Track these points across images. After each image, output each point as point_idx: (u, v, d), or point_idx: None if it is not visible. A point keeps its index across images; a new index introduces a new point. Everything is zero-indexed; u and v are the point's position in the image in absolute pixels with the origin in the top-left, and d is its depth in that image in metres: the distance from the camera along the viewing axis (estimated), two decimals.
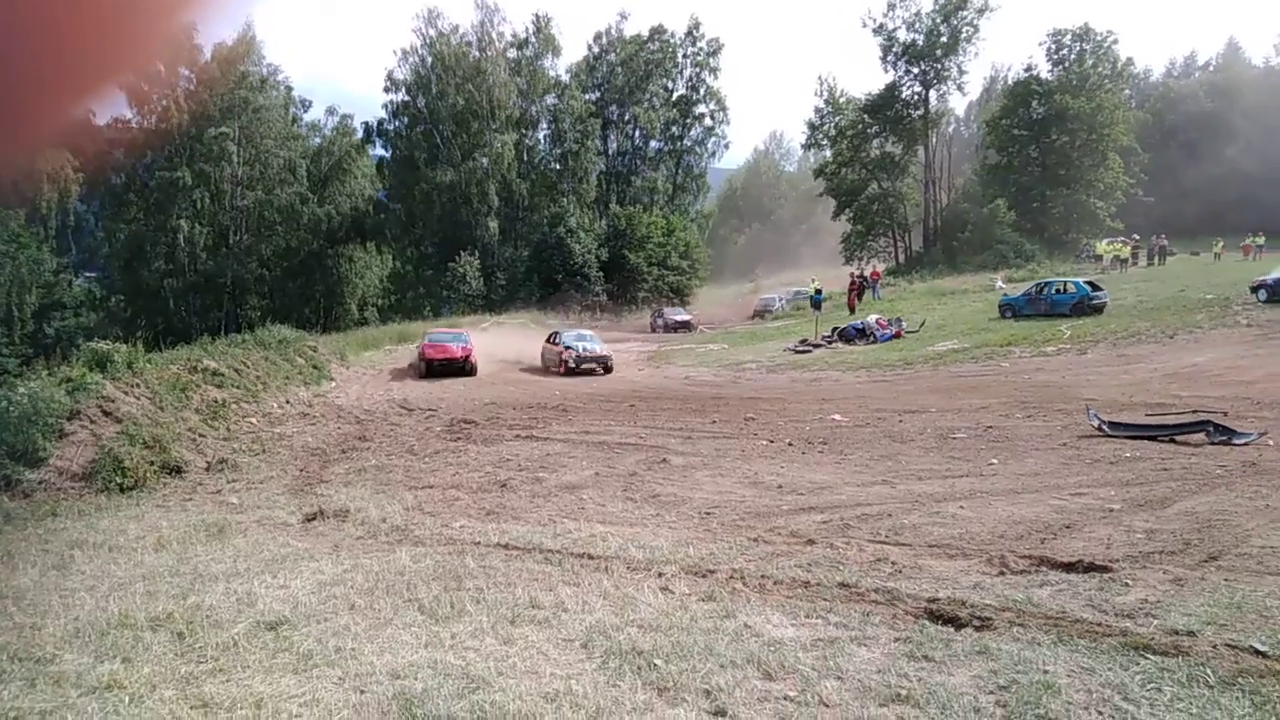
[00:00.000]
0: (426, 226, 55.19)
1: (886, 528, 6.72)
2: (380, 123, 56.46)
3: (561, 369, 23.89)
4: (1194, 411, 11.67)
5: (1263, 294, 25.63)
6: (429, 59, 54.18)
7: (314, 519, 7.83)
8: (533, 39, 57.81)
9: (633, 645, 4.20)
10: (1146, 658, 3.75)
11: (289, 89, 55.73)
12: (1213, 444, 9.83)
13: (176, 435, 11.40)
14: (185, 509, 8.63)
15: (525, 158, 57.91)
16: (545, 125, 59.96)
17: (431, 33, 54.44)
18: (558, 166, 59.47)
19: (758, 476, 9.27)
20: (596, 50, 62.70)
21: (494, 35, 56.05)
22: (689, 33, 63.19)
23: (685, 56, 63.89)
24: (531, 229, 56.16)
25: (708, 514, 7.53)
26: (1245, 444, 9.66)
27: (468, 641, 4.41)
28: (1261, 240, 42.28)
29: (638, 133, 63.58)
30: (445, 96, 53.38)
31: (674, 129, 64.56)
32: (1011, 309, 29.73)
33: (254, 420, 14.19)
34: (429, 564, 5.96)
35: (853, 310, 35.72)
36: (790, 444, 11.50)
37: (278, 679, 4.03)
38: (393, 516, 7.78)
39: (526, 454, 11.31)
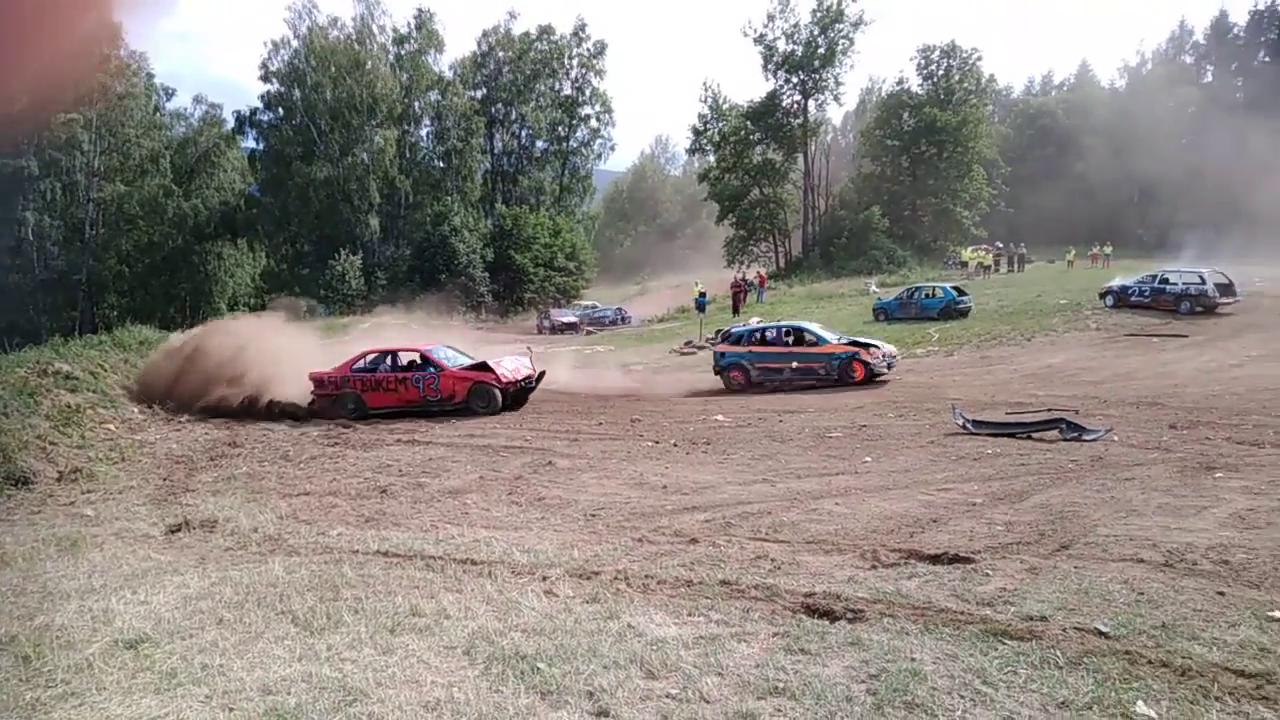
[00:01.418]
0: (303, 223, 53.15)
1: (767, 525, 6.89)
2: (253, 113, 53.94)
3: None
4: (1049, 410, 12.45)
5: (1110, 300, 27.61)
6: (303, 51, 52.15)
7: (179, 530, 7.43)
8: (415, 34, 56.54)
9: (516, 650, 4.17)
10: (1004, 643, 3.98)
11: (150, 75, 52.76)
12: (1065, 440, 10.50)
13: (23, 443, 10.60)
14: (33, 523, 8.04)
15: (408, 154, 56.56)
16: (429, 122, 58.73)
17: (305, 26, 52.41)
18: (442, 164, 58.31)
19: (643, 477, 9.35)
20: (484, 48, 61.84)
21: (375, 28, 54.59)
22: (575, 33, 63.14)
23: (572, 57, 63.78)
24: (414, 227, 54.90)
25: (593, 516, 7.55)
26: (1094, 440, 10.36)
27: (345, 653, 4.28)
28: (1109, 250, 45.48)
29: (524, 132, 63.04)
30: (322, 89, 51.54)
31: (560, 129, 64.33)
32: (884, 312, 31.01)
33: (112, 427, 13.33)
34: (304, 574, 5.75)
35: (736, 313, 36.48)
36: (675, 445, 11.64)
37: (137, 700, 3.81)
38: (265, 526, 7.47)
39: (408, 459, 11.06)
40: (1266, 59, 64.19)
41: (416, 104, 57.18)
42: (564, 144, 64.88)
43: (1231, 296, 25.86)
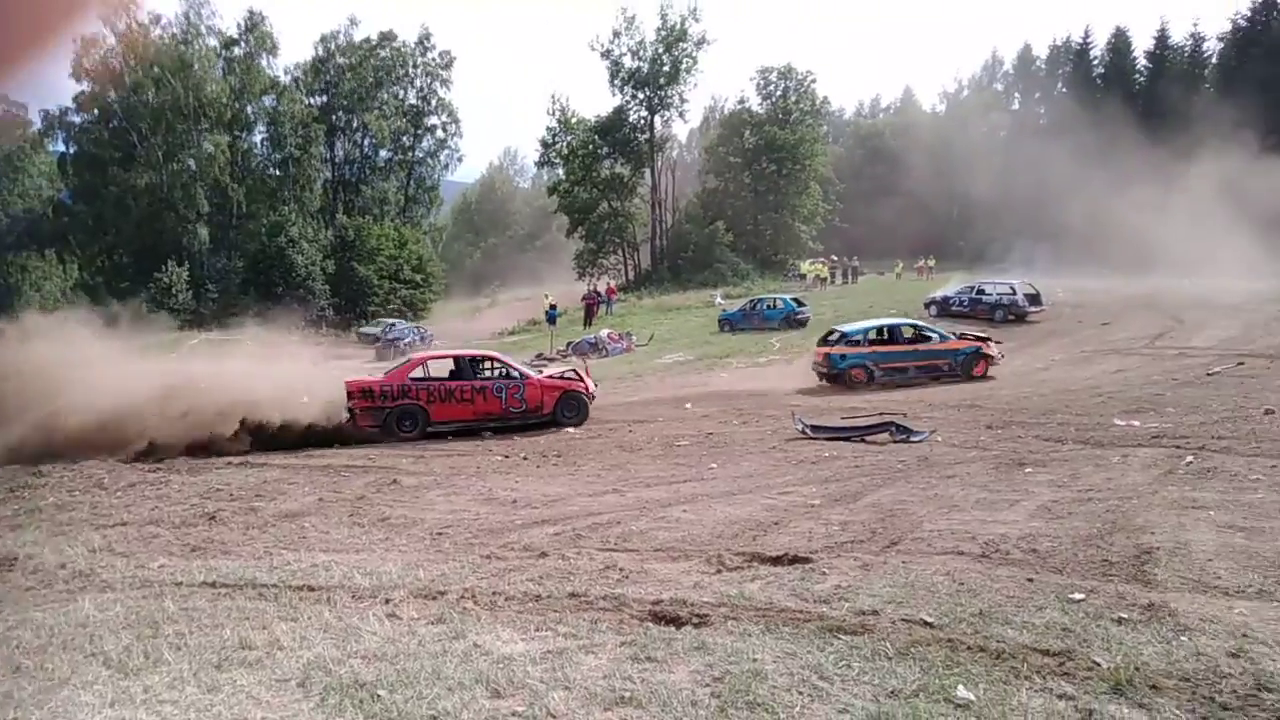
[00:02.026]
0: (121, 233, 49.41)
1: (616, 535, 6.93)
2: (64, 113, 49.73)
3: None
4: (880, 414, 13.15)
5: (934, 309, 29.55)
6: (120, 50, 48.49)
7: None
8: (246, 36, 53.75)
9: (355, 678, 3.99)
10: (839, 638, 4.15)
11: None
12: (895, 442, 11.13)
13: None
14: None
15: (240, 161, 53.67)
16: (264, 128, 55.92)
17: (123, 23, 48.72)
18: (278, 172, 55.63)
19: (492, 492, 9.21)
20: (323, 53, 59.50)
21: (203, 28, 51.55)
22: (420, 42, 61.80)
23: (416, 66, 62.37)
24: (248, 238, 52.09)
25: (440, 534, 7.36)
26: (920, 441, 11.04)
27: (164, 694, 3.96)
28: (933, 262, 48.77)
29: (367, 140, 61.02)
30: (143, 91, 48.16)
31: (405, 139, 62.70)
32: (729, 323, 31.97)
33: None
34: (118, 611, 5.29)
35: (588, 325, 36.64)
36: (525, 458, 11.54)
37: None
38: (75, 561, 6.84)
39: (240, 482, 10.42)
40: (1064, 89, 70.55)
41: (249, 109, 54.37)
42: (409, 154, 63.28)
43: (1038, 306, 28.23)
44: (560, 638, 4.41)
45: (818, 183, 60.05)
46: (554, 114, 58.39)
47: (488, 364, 15.02)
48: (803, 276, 46.68)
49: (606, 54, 56.84)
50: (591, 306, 38.28)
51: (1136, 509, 6.73)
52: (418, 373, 14.30)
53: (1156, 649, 3.89)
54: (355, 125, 60.06)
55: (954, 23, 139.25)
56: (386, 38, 60.56)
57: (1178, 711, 3.27)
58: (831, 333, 19.52)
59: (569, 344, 30.39)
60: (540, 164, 64.42)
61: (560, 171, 60.44)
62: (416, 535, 7.39)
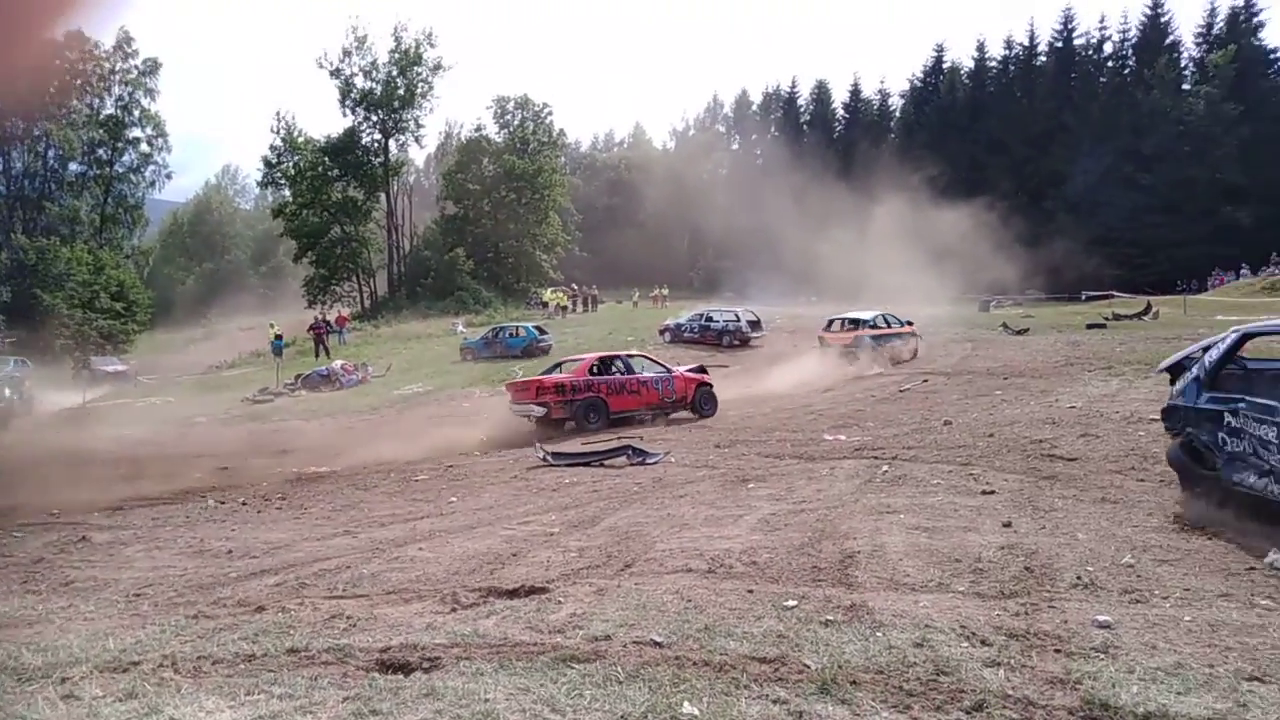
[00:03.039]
0: None
1: (344, 581, 6.51)
2: None
3: None
4: (618, 438, 13.53)
5: (667, 336, 31.04)
6: None
7: None
8: None
9: None
10: (573, 667, 4.15)
11: None
12: (632, 465, 11.48)
13: None
14: None
15: None
16: None
17: None
18: None
19: (204, 543, 8.35)
20: None
21: None
22: (118, 47, 55.89)
23: (114, 72, 56.26)
24: None
25: (137, 595, 6.53)
26: (655, 463, 11.46)
27: None
28: (666, 291, 51.30)
29: (52, 152, 54.06)
30: None
31: (101, 152, 56.25)
32: (472, 351, 31.62)
33: None
34: None
35: (319, 355, 34.65)
36: (244, 503, 10.63)
37: None
38: None
39: None
40: (776, 133, 77.38)
41: None
42: (107, 168, 56.83)
43: (760, 331, 30.53)
44: (275, 700, 4.03)
45: (557, 212, 61.24)
46: (278, 132, 55.08)
47: (641, 361, 17.59)
48: (545, 304, 47.30)
49: (336, 73, 54.70)
50: (321, 336, 36.21)
51: (841, 516, 7.38)
52: (593, 369, 16.53)
53: (857, 646, 4.25)
54: (36, 134, 52.98)
55: (679, 63, 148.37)
56: (73, 39, 54.09)
57: (874, 703, 3.57)
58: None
59: (298, 376, 28.55)
60: (264, 184, 60.39)
61: (287, 193, 56.97)
62: (108, 599, 6.51)
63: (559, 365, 17.78)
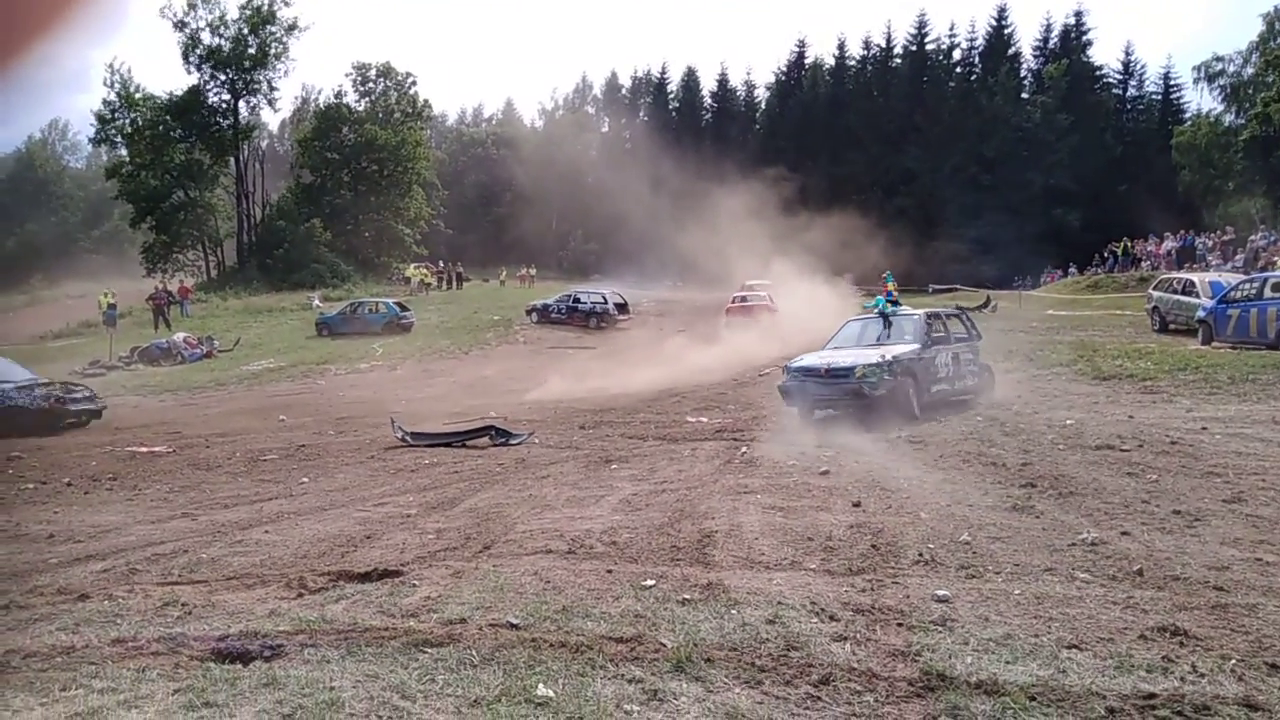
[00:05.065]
0: None
1: (181, 565, 6.11)
2: None
3: None
4: (482, 418, 13.30)
5: (534, 316, 30.81)
6: None
7: None
8: None
9: None
10: (425, 652, 4.03)
11: None
12: (495, 445, 11.31)
13: None
14: None
15: None
16: None
17: None
18: None
19: (20, 528, 7.66)
20: None
21: None
22: None
23: None
24: None
25: None
26: (519, 443, 11.33)
27: None
28: (534, 271, 50.88)
29: None
30: None
31: None
32: (328, 327, 30.40)
33: None
34: None
35: (158, 327, 32.46)
36: (69, 484, 9.83)
37: None
38: None
39: None
40: (645, 117, 77.82)
41: None
42: None
43: (626, 314, 30.74)
44: (95, 695, 3.72)
45: (421, 186, 59.42)
46: (112, 85, 50.89)
47: None
48: (407, 280, 45.94)
49: (181, 25, 50.94)
50: (161, 307, 33.88)
51: (701, 497, 7.51)
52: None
53: (712, 625, 4.32)
54: None
55: (551, 40, 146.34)
56: None
57: (727, 680, 3.64)
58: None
59: (134, 349, 26.65)
60: (97, 141, 55.68)
61: (123, 152, 52.80)
62: None
63: None
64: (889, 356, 11.46)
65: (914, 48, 67.08)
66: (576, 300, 31.03)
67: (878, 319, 13.20)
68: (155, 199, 51.07)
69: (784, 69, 72.38)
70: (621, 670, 3.75)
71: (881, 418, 11.13)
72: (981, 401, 12.62)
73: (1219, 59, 47.49)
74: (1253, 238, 30.09)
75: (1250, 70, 46.00)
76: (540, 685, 3.57)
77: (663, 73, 78.92)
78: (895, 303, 15.01)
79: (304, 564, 5.97)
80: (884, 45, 68.17)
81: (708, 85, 76.50)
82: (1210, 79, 48.07)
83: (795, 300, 26.16)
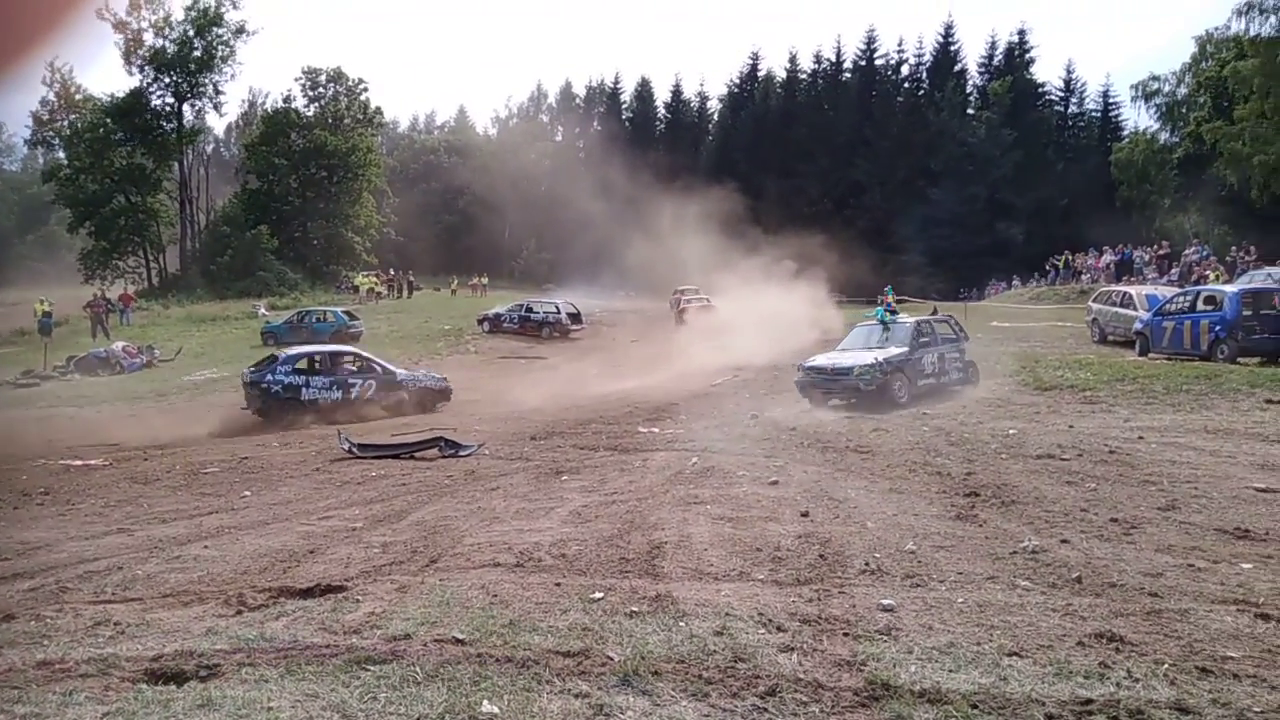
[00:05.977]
0: None
1: (114, 583, 5.91)
2: None
3: None
4: (430, 429, 13.13)
5: (486, 325, 30.61)
6: None
7: None
8: None
9: None
10: (368, 669, 3.94)
11: None
12: (444, 457, 11.16)
13: None
14: None
15: None
16: None
17: None
18: None
19: None
20: None
21: None
22: None
23: None
24: None
25: None
26: (469, 455, 11.20)
27: None
28: (486, 280, 50.53)
29: None
30: None
31: None
32: (274, 336, 29.81)
33: None
34: None
35: (95, 336, 31.52)
36: None
37: None
38: None
39: None
40: (598, 127, 77.88)
41: None
42: None
43: (579, 324, 30.65)
44: None
45: (372, 194, 58.67)
46: (51, 86, 49.48)
47: None
48: (356, 289, 45.25)
49: (121, 25, 49.69)
50: (100, 315, 32.92)
51: (651, 508, 7.50)
52: None
53: (660, 637, 4.30)
54: None
55: (505, 47, 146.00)
56: None
57: (674, 693, 3.62)
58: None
59: (70, 359, 25.83)
60: (33, 143, 54.02)
61: (61, 155, 51.28)
62: None
63: None
64: (880, 358, 14.11)
65: (863, 63, 68.18)
66: (529, 310, 30.89)
67: (878, 325, 15.76)
68: (95, 204, 49.65)
69: (737, 80, 73.11)
70: (568, 685, 3.71)
71: (877, 405, 13.54)
72: (967, 393, 14.73)
73: (1155, 78, 48.95)
74: (1186, 252, 31.05)
75: (1184, 90, 47.55)
76: (485, 702, 3.52)
77: (616, 82, 79.18)
78: (894, 312, 16.91)
79: (244, 580, 5.82)
80: (834, 60, 69.20)
81: (662, 96, 76.92)
82: (1147, 97, 49.54)
83: (744, 311, 26.32)
